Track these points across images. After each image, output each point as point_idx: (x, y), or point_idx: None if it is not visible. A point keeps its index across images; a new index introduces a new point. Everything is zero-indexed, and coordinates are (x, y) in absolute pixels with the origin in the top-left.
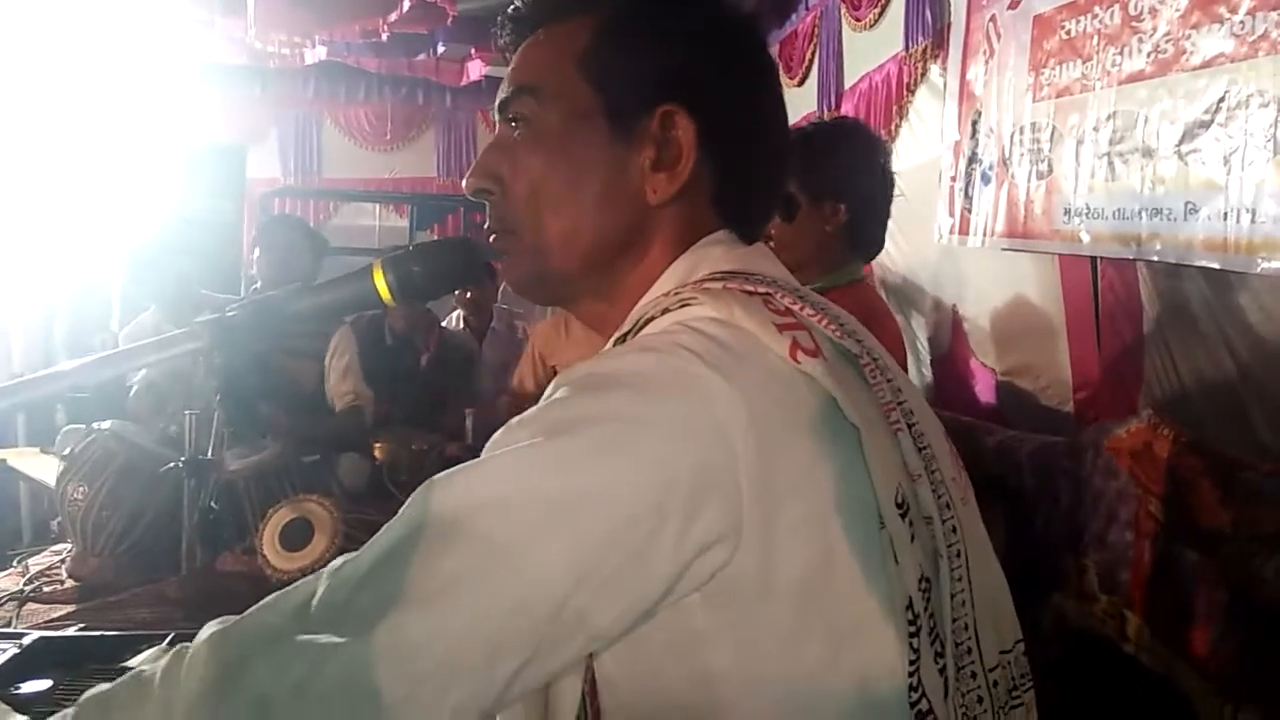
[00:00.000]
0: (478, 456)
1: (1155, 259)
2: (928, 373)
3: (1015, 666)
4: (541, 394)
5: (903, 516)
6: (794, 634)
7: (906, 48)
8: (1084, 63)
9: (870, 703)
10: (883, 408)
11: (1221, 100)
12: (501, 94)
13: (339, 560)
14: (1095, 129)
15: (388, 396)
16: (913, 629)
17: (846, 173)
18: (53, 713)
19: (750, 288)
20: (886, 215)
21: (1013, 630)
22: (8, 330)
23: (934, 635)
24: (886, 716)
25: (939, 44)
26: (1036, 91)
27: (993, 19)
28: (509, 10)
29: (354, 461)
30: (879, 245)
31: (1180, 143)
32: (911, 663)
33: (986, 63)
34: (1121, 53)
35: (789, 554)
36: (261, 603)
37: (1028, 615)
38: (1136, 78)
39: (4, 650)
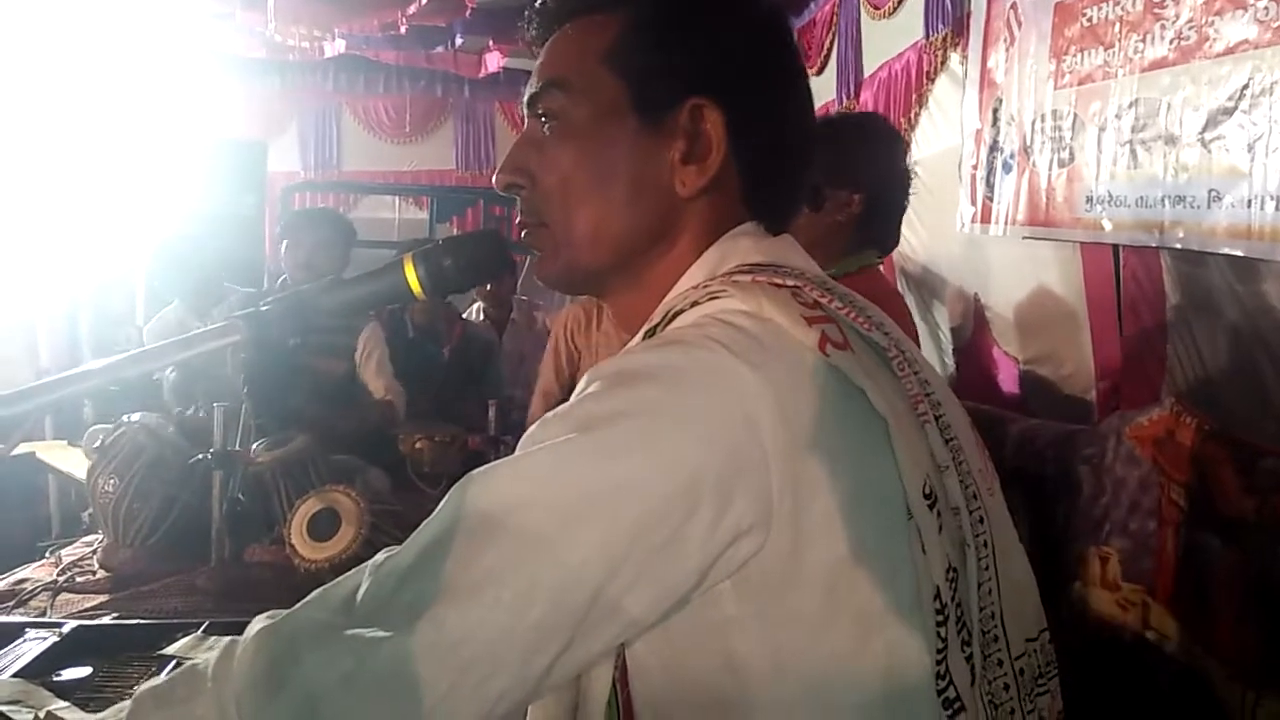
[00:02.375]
0: (500, 447)
1: (1178, 247)
2: (950, 362)
3: (1041, 654)
4: (567, 387)
5: (930, 507)
6: (822, 622)
7: (926, 36)
8: (1106, 50)
9: (897, 690)
10: (910, 399)
11: (1245, 87)
12: (530, 89)
13: (382, 555)
14: (1117, 116)
15: (410, 389)
16: (940, 618)
17: (865, 163)
18: (93, 699)
19: (779, 280)
20: (901, 212)
21: (1038, 619)
22: (34, 326)
23: (961, 624)
24: (913, 704)
25: (959, 32)
26: (1058, 79)
27: (1014, 6)
28: (537, 4)
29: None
30: (894, 240)
31: (1203, 130)
32: (939, 651)
33: (1007, 50)
34: (1144, 39)
35: (818, 543)
36: (307, 598)
37: (1050, 603)
38: (1159, 64)
39: (43, 638)
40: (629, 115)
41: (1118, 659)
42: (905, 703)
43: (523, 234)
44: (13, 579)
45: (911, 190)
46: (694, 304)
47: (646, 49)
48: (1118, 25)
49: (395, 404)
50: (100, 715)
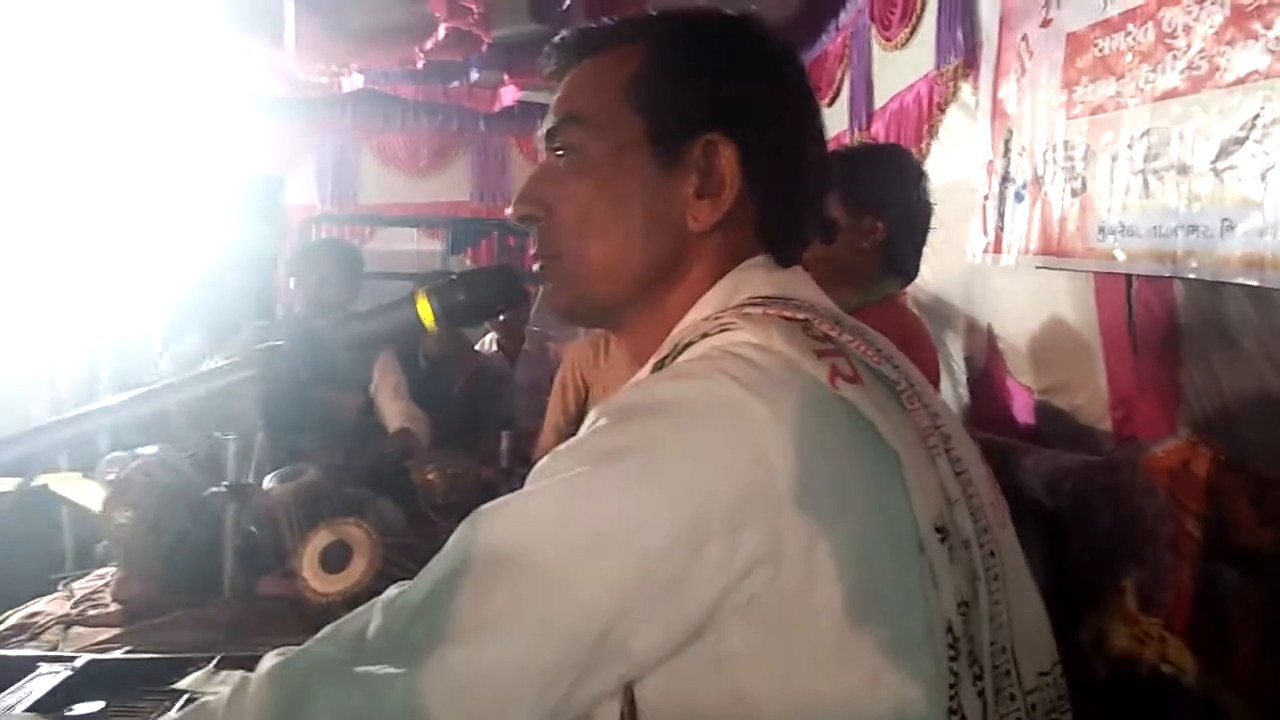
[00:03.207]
0: (512, 479)
1: (1192, 276)
2: (964, 393)
3: (1054, 689)
4: (575, 422)
5: (942, 540)
6: (833, 656)
7: (938, 67)
8: (1118, 80)
9: None
10: (921, 433)
11: (1257, 117)
12: (548, 123)
13: (393, 590)
14: (1129, 146)
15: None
16: (952, 652)
17: (888, 191)
18: None
19: (789, 313)
20: (923, 240)
21: (1050, 652)
22: (51, 358)
23: (973, 658)
24: None
25: (970, 63)
26: (1069, 109)
27: (1024, 37)
28: (556, 39)
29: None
30: (914, 269)
31: (1216, 159)
32: (951, 686)
33: (1018, 81)
34: (1155, 70)
35: (828, 577)
36: (319, 634)
37: (1066, 636)
38: (1171, 94)
39: (56, 673)
40: (644, 150)
41: (1134, 692)
42: None
43: (537, 265)
44: (25, 612)
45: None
46: (704, 336)
47: (663, 85)
48: (1129, 55)
49: (415, 430)
50: None
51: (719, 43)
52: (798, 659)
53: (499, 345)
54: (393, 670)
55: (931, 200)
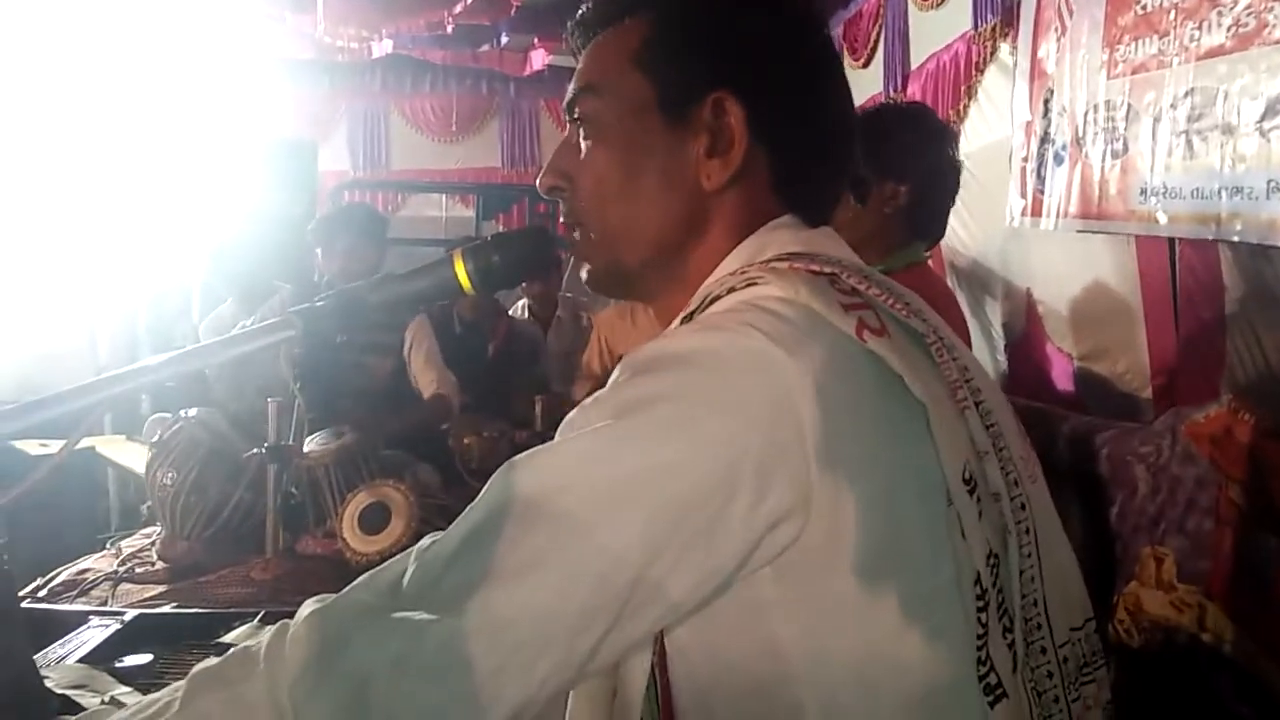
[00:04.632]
0: (547, 443)
1: (1236, 239)
2: (1002, 358)
3: (1086, 644)
4: (608, 375)
5: (970, 493)
6: (862, 606)
7: (975, 26)
8: (1161, 38)
9: (938, 676)
10: (950, 385)
11: None
12: (568, 96)
13: (427, 540)
14: (1173, 106)
15: (458, 384)
16: (980, 604)
17: (908, 155)
18: (154, 685)
19: (816, 267)
20: (950, 201)
21: (1083, 608)
22: (93, 324)
23: (1002, 610)
24: (955, 690)
25: (1008, 22)
26: (1111, 68)
27: None
28: (575, 16)
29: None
30: (941, 230)
31: (1262, 119)
32: (979, 637)
33: (1058, 40)
34: (1200, 27)
35: (857, 528)
36: (355, 582)
37: (1104, 603)
38: (1216, 53)
39: (106, 626)
40: (654, 113)
41: (1172, 660)
42: (946, 689)
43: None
44: (75, 569)
45: (961, 183)
46: (731, 290)
47: (670, 48)
48: (1173, 13)
49: (448, 396)
50: (155, 695)
51: (726, 5)
52: (828, 610)
53: (531, 312)
54: (428, 616)
55: (960, 159)
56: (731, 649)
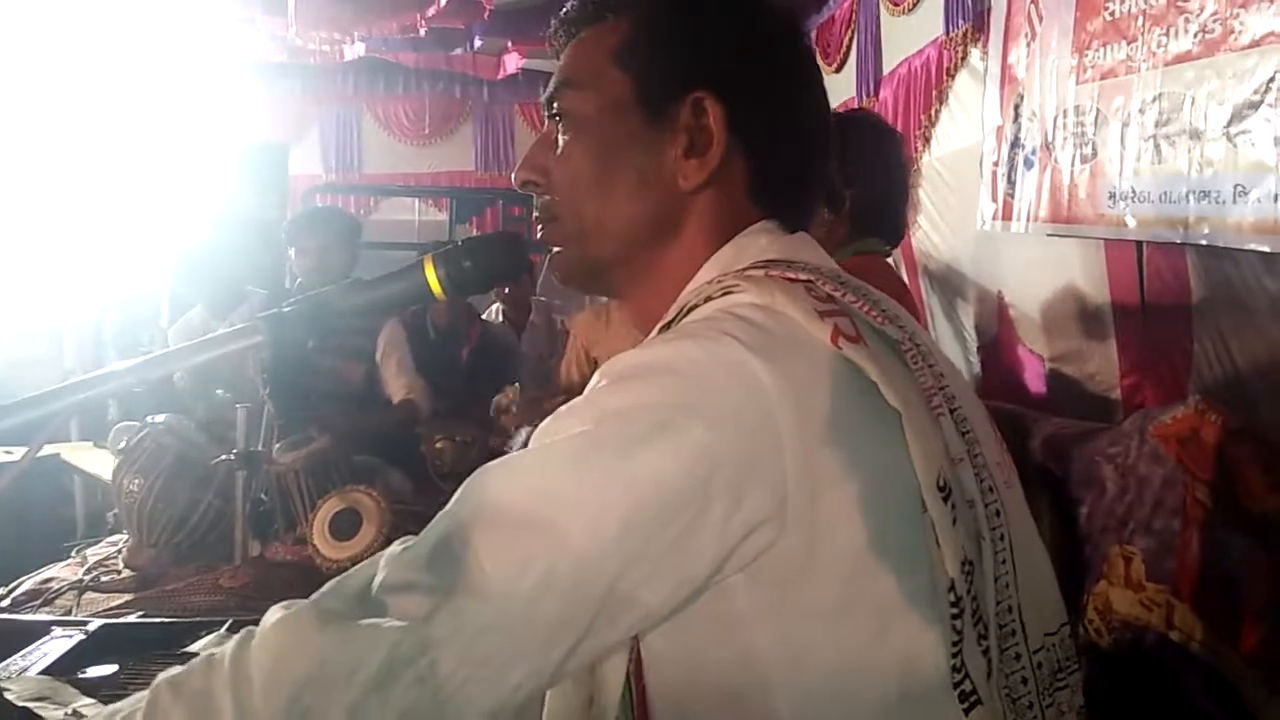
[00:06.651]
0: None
1: (1203, 243)
2: (975, 360)
3: (1060, 649)
4: (585, 382)
5: (945, 500)
6: (837, 614)
7: (946, 31)
8: (1129, 44)
9: (913, 682)
10: (924, 392)
11: (1271, 80)
12: (547, 92)
13: (397, 546)
14: (1141, 111)
15: (431, 389)
16: (955, 610)
17: (849, 160)
18: (118, 696)
19: (792, 275)
20: (901, 204)
21: (1057, 613)
22: (60, 329)
23: (977, 617)
24: (930, 696)
25: (979, 27)
26: (1080, 74)
27: (1034, 1)
28: (558, 14)
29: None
30: (896, 231)
31: (1229, 124)
32: (954, 644)
33: (1028, 45)
34: (1167, 33)
35: (832, 535)
36: (323, 588)
37: (1074, 603)
38: (1183, 58)
39: (70, 636)
40: (634, 110)
41: (1142, 659)
42: (921, 695)
43: (539, 230)
44: (39, 578)
45: (929, 187)
46: (708, 299)
47: (652, 47)
48: (1140, 19)
49: (417, 401)
50: (117, 705)
51: (707, 5)
52: (804, 617)
53: (505, 316)
54: (398, 623)
55: (912, 159)
56: (707, 657)
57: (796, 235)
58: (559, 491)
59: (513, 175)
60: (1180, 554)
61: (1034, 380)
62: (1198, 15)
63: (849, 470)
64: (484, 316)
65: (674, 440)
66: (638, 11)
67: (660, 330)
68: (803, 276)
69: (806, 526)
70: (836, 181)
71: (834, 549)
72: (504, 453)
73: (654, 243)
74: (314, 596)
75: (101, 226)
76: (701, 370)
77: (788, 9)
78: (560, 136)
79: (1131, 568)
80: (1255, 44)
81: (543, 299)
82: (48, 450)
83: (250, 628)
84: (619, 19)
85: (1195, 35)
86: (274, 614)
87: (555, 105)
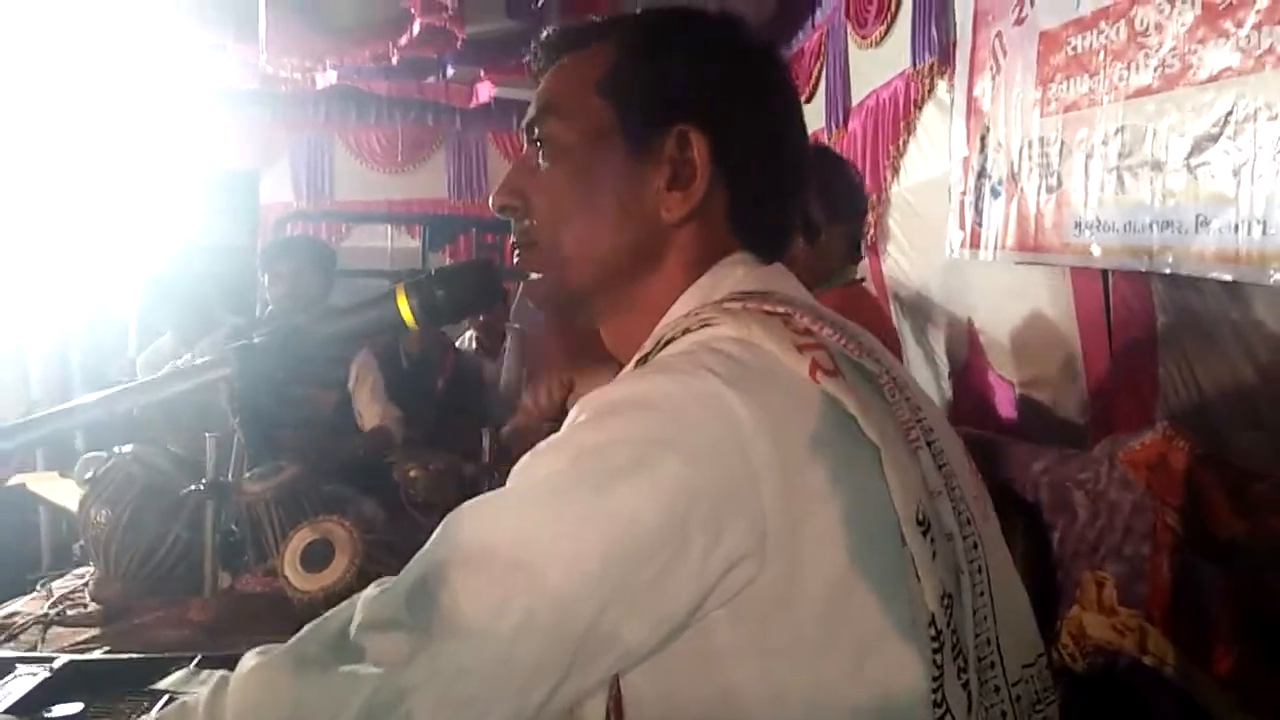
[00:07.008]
0: (494, 475)
1: (1167, 271)
2: (946, 386)
3: (1038, 680)
4: (558, 407)
5: (924, 534)
6: (816, 649)
7: (913, 64)
8: (1091, 78)
9: (894, 717)
10: (902, 426)
11: (1229, 114)
12: (527, 116)
13: (374, 588)
14: (1104, 143)
15: (405, 418)
16: (935, 644)
17: (836, 198)
18: None
19: (769, 308)
20: (858, 227)
21: (1035, 644)
22: (25, 357)
23: (957, 651)
24: None
25: (945, 60)
26: (1044, 106)
27: (999, 35)
28: (541, 37)
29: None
30: (856, 247)
31: (1189, 156)
32: (934, 678)
33: (994, 79)
34: (1129, 68)
35: (811, 570)
36: (300, 633)
37: (1047, 628)
38: (1144, 92)
39: (34, 674)
40: (618, 141)
41: (1115, 683)
42: None
43: (515, 255)
44: (3, 613)
45: (899, 216)
46: (685, 331)
47: (637, 77)
48: (1102, 54)
49: (390, 429)
50: None
51: (693, 38)
52: (783, 651)
53: (479, 343)
54: (374, 669)
55: (857, 185)
56: (687, 694)
57: (773, 266)
58: (536, 531)
59: (490, 198)
60: (1151, 579)
61: (1004, 405)
62: (1157, 50)
63: (832, 488)
64: (457, 344)
65: (650, 476)
66: (623, 41)
67: (637, 362)
68: (780, 309)
69: (788, 555)
70: (815, 213)
71: (816, 573)
72: (481, 481)
73: (634, 273)
74: (290, 641)
75: (69, 252)
76: (677, 404)
77: (770, 43)
78: (541, 162)
79: (1104, 593)
80: (1213, 78)
81: (516, 326)
82: (13, 480)
83: (225, 674)
84: (604, 46)
85: (1155, 69)
86: (249, 660)
87: (536, 130)
